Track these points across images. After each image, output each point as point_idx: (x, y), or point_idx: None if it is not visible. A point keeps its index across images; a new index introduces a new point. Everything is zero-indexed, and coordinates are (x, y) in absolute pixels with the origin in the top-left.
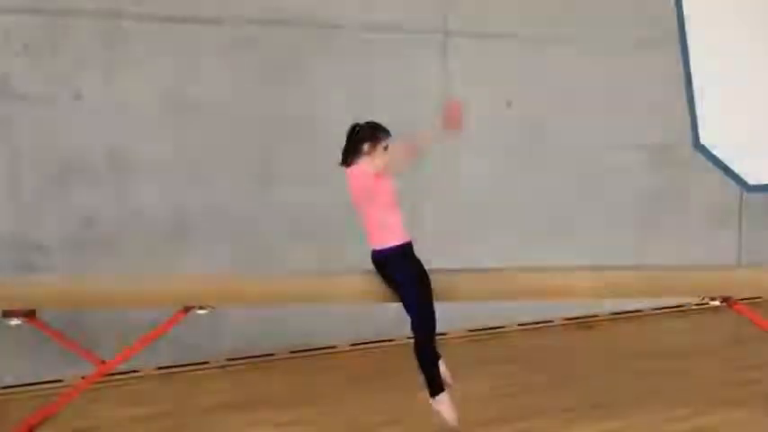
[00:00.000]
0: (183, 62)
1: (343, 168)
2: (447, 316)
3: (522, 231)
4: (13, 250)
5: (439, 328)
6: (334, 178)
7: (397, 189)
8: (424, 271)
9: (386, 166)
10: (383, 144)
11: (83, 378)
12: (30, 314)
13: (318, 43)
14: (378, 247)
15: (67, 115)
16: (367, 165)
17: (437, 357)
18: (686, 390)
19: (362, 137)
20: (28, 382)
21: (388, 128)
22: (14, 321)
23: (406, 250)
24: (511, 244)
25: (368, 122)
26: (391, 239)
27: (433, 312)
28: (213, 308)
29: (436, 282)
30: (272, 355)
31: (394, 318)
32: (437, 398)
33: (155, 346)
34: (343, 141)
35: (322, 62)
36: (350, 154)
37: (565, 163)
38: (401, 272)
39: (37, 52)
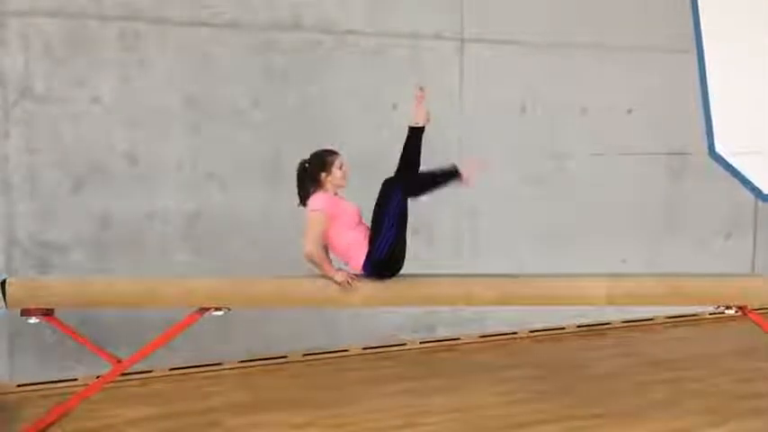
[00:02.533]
0: (200, 66)
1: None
2: (459, 321)
3: (535, 237)
4: (32, 250)
5: (451, 333)
6: (350, 182)
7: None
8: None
9: (342, 178)
10: (336, 164)
11: (98, 377)
12: (48, 313)
13: (334, 48)
14: (362, 264)
15: (86, 117)
16: (324, 195)
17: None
18: (698, 399)
19: (314, 168)
20: (43, 380)
21: (406, 132)
22: (33, 320)
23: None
24: (524, 249)
25: (312, 154)
26: (361, 256)
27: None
28: (228, 309)
29: (449, 287)
30: (285, 357)
31: (406, 322)
32: None
33: (169, 347)
34: (357, 147)
35: (337, 67)
36: (309, 189)
37: (579, 169)
38: (380, 255)
39: (56, 55)
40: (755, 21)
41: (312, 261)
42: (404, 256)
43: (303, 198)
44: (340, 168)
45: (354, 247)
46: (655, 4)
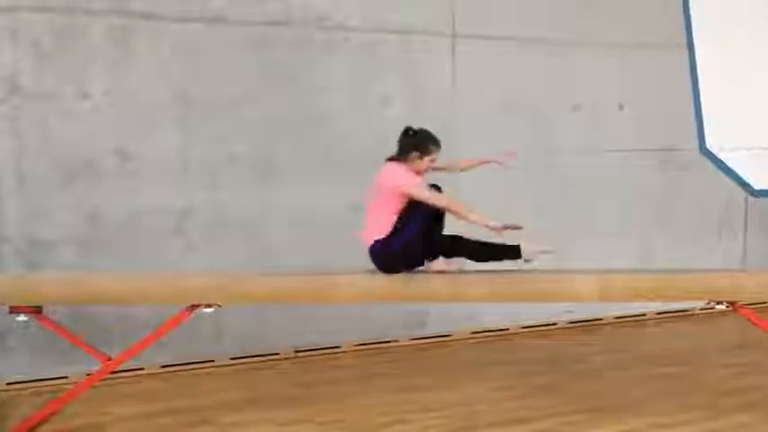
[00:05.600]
0: (190, 61)
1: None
2: (451, 317)
3: (525, 233)
4: (21, 247)
5: (443, 329)
6: (338, 178)
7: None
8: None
9: (424, 171)
10: (431, 157)
11: (88, 375)
12: (36, 310)
13: (325, 44)
14: (373, 246)
15: (75, 113)
16: (408, 170)
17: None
18: (690, 394)
19: (414, 145)
20: (33, 378)
21: (398, 128)
22: (21, 317)
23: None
24: None
25: (422, 131)
26: (377, 233)
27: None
28: (219, 306)
29: (441, 283)
30: (276, 354)
31: (397, 318)
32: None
33: (159, 344)
34: (349, 142)
35: (328, 63)
36: (399, 153)
37: (570, 165)
38: (394, 251)
39: (45, 50)
40: (746, 17)
41: (450, 210)
42: (418, 258)
43: (395, 156)
44: (431, 161)
45: (384, 227)
46: (647, 1)
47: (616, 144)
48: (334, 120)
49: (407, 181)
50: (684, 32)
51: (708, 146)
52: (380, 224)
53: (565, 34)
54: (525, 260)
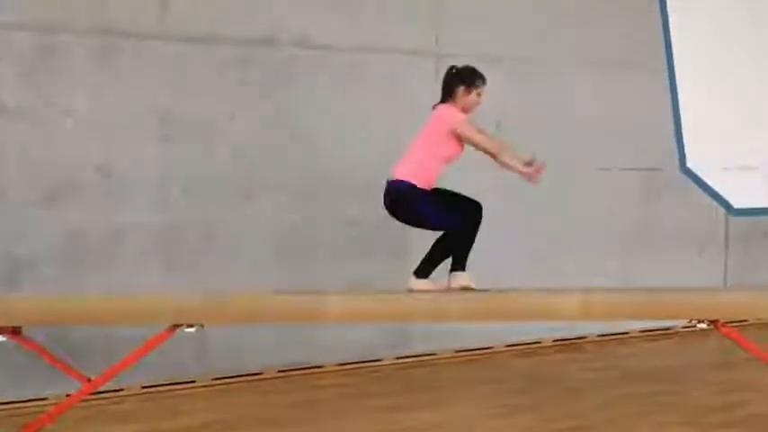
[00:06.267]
0: (174, 80)
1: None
2: (436, 336)
3: (510, 253)
4: (1, 265)
5: (426, 348)
6: (322, 196)
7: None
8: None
9: (474, 105)
10: (478, 90)
11: (68, 396)
12: (15, 330)
13: (310, 64)
14: (399, 182)
15: (57, 131)
16: (458, 109)
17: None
18: (673, 412)
19: (459, 79)
20: (12, 399)
21: (381, 148)
22: (0, 338)
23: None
24: (499, 265)
25: (465, 66)
26: (417, 178)
27: (460, 218)
28: (201, 326)
29: (425, 303)
30: (259, 374)
31: (382, 337)
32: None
33: (140, 364)
34: (333, 162)
35: (313, 83)
36: (444, 95)
37: (553, 185)
38: (418, 207)
39: (27, 68)
40: (725, 36)
41: (500, 157)
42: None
43: (441, 98)
44: (478, 95)
45: (424, 173)
46: (629, 21)
47: (598, 162)
48: (317, 138)
49: (460, 120)
50: (665, 52)
51: (688, 165)
52: (422, 168)
53: (548, 53)
54: (452, 283)
